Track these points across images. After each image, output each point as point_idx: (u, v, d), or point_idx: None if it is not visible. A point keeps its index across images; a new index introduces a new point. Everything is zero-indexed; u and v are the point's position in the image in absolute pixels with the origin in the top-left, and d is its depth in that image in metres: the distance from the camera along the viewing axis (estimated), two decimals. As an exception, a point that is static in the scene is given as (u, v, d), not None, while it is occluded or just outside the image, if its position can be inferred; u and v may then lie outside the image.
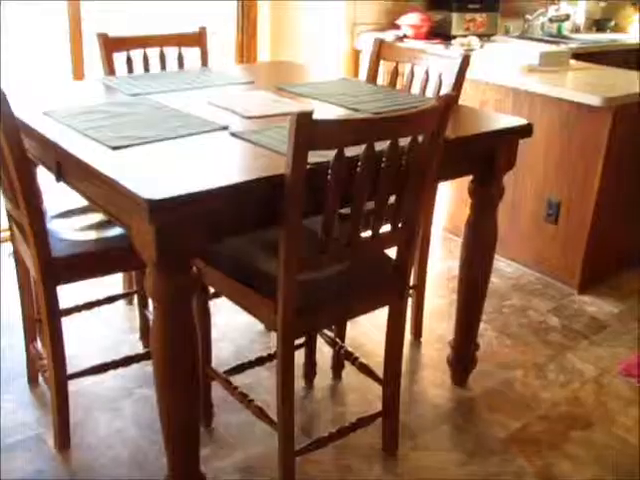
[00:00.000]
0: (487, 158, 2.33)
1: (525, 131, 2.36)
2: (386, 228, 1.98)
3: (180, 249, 1.66)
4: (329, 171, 1.70)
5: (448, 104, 1.83)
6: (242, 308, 2.03)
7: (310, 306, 1.92)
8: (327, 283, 2.00)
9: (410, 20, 4.30)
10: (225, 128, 2.11)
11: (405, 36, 4.29)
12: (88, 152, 1.89)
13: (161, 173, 1.75)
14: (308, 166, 1.67)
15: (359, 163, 1.75)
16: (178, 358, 1.80)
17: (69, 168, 2.03)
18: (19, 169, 1.98)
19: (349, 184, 1.77)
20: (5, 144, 1.95)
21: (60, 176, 2.09)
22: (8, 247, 2.75)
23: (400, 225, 1.99)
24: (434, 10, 4.52)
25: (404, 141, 1.82)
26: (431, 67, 2.77)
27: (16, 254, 2.48)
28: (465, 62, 2.64)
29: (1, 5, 3.14)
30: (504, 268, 3.71)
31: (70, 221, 2.39)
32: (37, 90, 2.66)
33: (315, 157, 1.71)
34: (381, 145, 1.76)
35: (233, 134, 2.05)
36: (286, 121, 1.88)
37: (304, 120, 1.56)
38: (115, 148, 1.91)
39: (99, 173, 1.75)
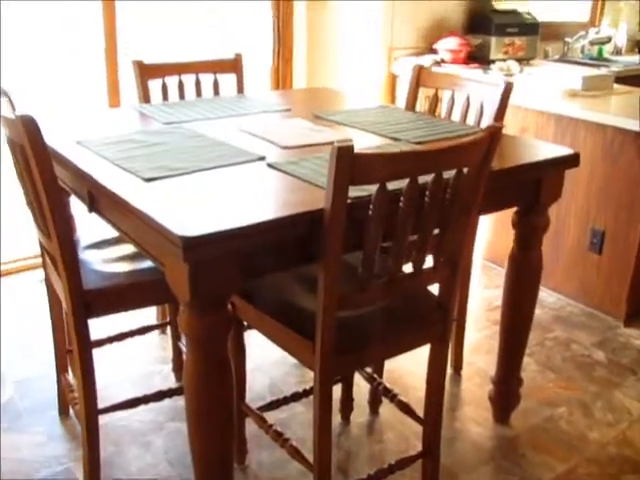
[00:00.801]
0: (532, 189, 2.24)
1: (572, 161, 2.27)
2: (428, 262, 1.89)
3: (215, 288, 1.60)
4: (370, 206, 1.63)
5: (495, 135, 1.75)
6: (278, 346, 1.95)
7: (349, 345, 1.83)
8: (367, 321, 1.92)
9: (448, 44, 4.23)
10: (262, 159, 2.05)
11: (443, 60, 4.22)
12: (120, 184, 1.84)
13: (196, 207, 1.69)
14: (348, 200, 1.60)
15: (402, 197, 1.67)
16: (212, 396, 1.73)
17: (101, 199, 1.98)
18: (50, 199, 1.93)
19: (391, 218, 1.69)
20: (37, 173, 1.91)
21: (92, 207, 2.05)
22: (40, 273, 2.72)
23: (443, 260, 1.90)
24: (472, 34, 4.45)
25: (448, 173, 1.74)
26: (472, 94, 2.69)
27: (48, 282, 2.44)
28: (508, 90, 2.56)
29: (1, 5, 3.08)
30: (546, 298, 3.60)
31: (103, 252, 2.34)
32: (71, 117, 2.63)
33: (356, 191, 1.64)
34: (424, 177, 1.68)
35: (270, 165, 1.99)
36: (324, 151, 1.81)
37: (345, 153, 1.49)
38: (148, 180, 1.86)
39: (131, 206, 1.70)
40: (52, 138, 2.12)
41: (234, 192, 1.82)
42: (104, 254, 2.33)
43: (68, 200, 2.43)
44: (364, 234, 1.67)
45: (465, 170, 1.77)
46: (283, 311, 1.92)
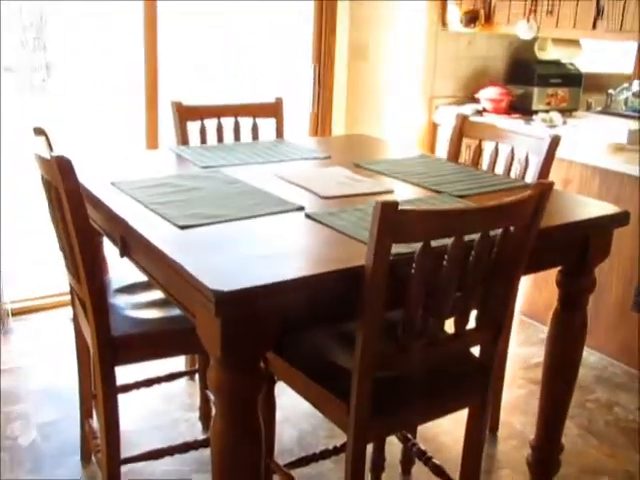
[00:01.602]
0: (579, 248, 2.15)
1: (621, 220, 2.17)
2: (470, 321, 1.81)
3: (248, 345, 1.52)
4: (413, 264, 1.55)
5: (544, 194, 1.67)
6: (311, 404, 1.87)
7: (385, 408, 1.75)
8: (404, 382, 1.83)
9: (489, 94, 4.18)
10: (300, 209, 1.98)
11: (484, 110, 4.16)
12: (154, 230, 1.80)
13: (231, 259, 1.63)
14: (390, 257, 1.52)
15: (446, 255, 1.59)
16: (240, 455, 1.65)
17: (133, 244, 1.93)
18: (82, 243, 1.89)
19: (433, 275, 1.61)
20: (69, 216, 1.87)
21: (124, 251, 2.00)
22: (70, 311, 2.68)
23: (487, 321, 1.82)
24: (514, 84, 4.39)
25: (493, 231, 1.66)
26: (517, 146, 2.62)
27: (76, 324, 2.39)
28: (554, 143, 2.49)
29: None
30: (586, 357, 3.47)
31: (133, 297, 2.29)
32: (107, 158, 2.61)
33: (398, 247, 1.57)
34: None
35: (308, 216, 1.92)
36: (364, 202, 1.74)
37: (389, 210, 1.42)
38: (183, 227, 1.81)
39: (164, 255, 1.64)
40: (87, 179, 2.09)
41: (271, 243, 1.75)
42: (134, 299, 2.28)
43: (101, 240, 2.39)
44: (405, 292, 1.59)
45: (512, 228, 1.70)
46: (316, 368, 1.84)
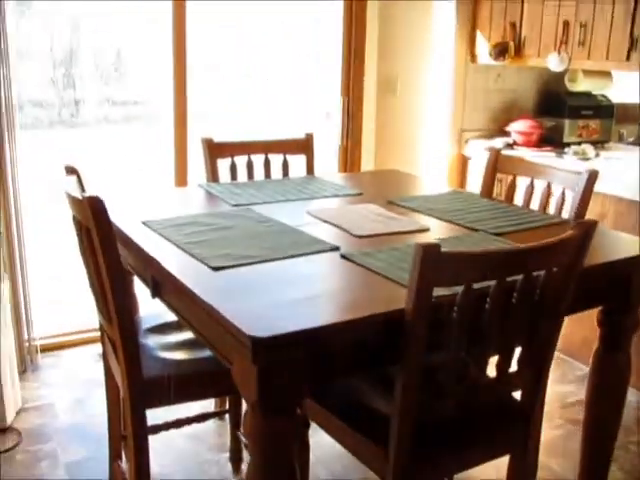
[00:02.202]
0: (621, 287, 2.08)
1: (665, 257, 2.11)
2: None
3: (285, 391, 1.48)
4: (455, 307, 1.51)
5: (588, 233, 1.62)
6: (348, 450, 1.82)
7: (424, 454, 1.69)
8: (444, 427, 1.77)
9: (520, 127, 4.14)
10: (335, 249, 1.94)
11: (515, 143, 4.12)
12: (186, 271, 1.77)
13: (266, 302, 1.59)
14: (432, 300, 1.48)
15: (488, 298, 1.54)
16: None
17: (165, 285, 1.91)
18: (113, 283, 1.85)
19: (475, 318, 1.56)
20: (100, 255, 1.84)
21: (156, 292, 1.98)
22: (98, 347, 2.65)
23: (528, 364, 1.76)
24: (544, 116, 4.35)
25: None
26: (553, 182, 2.57)
27: (105, 364, 2.36)
28: (592, 179, 2.43)
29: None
30: (628, 397, 3.36)
31: (165, 337, 2.26)
32: (138, 196, 2.60)
33: (439, 289, 1.52)
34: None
35: (344, 256, 1.88)
36: (399, 241, 1.70)
37: (431, 253, 1.38)
38: (216, 269, 1.77)
39: (197, 298, 1.61)
40: (118, 217, 2.07)
41: (307, 286, 1.71)
42: (166, 339, 2.25)
43: (132, 279, 2.37)
44: (446, 335, 1.54)
45: (554, 268, 1.65)
46: (353, 413, 1.79)
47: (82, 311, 3.53)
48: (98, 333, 2.42)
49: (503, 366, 1.69)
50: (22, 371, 3.30)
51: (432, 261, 1.39)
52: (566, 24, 3.69)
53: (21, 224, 3.23)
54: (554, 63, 3.75)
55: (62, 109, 5.31)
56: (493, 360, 1.71)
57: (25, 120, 4.70)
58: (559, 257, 1.62)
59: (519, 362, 1.75)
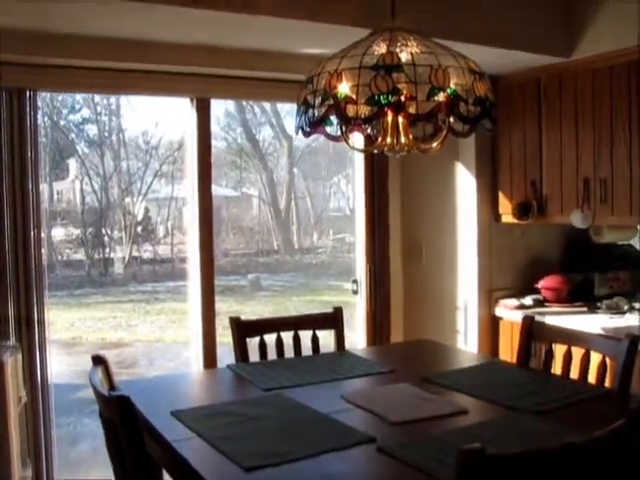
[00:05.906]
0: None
1: None
2: None
3: None
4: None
5: (637, 424, 1.53)
6: None
7: None
8: None
9: (549, 283, 4.08)
10: (371, 440, 1.86)
11: (545, 299, 4.05)
12: (217, 472, 1.70)
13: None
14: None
15: None
16: None
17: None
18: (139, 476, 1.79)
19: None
20: (128, 453, 1.79)
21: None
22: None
23: None
24: (572, 270, 4.30)
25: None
26: (592, 349, 2.48)
27: None
28: (633, 345, 2.34)
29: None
30: None
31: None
32: (167, 381, 2.56)
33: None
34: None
35: (380, 449, 1.79)
36: (437, 427, 1.63)
37: (475, 460, 1.30)
38: (248, 470, 1.69)
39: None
40: (145, 406, 2.03)
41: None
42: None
43: (161, 471, 2.29)
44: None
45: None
46: None
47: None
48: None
49: None
50: None
51: (476, 469, 1.30)
52: (586, 181, 3.71)
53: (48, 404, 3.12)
54: (578, 221, 3.74)
55: (91, 268, 5.39)
56: None
57: (55, 281, 4.75)
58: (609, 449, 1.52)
59: None
